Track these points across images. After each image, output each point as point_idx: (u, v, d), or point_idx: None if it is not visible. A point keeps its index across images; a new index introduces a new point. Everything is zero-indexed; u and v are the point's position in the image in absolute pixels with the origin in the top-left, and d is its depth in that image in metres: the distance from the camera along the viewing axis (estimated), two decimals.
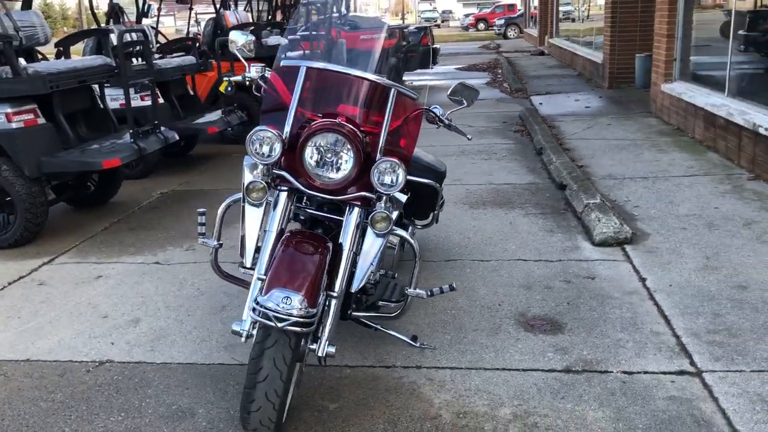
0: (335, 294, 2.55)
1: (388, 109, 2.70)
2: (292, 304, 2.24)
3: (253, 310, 2.29)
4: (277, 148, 2.57)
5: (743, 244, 4.30)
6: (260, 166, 2.65)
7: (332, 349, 2.50)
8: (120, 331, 3.56)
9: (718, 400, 2.71)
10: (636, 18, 11.02)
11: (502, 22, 33.70)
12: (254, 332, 2.53)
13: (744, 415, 2.61)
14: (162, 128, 5.57)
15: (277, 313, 2.23)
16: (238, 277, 3.08)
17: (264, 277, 2.58)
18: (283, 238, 2.53)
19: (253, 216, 2.69)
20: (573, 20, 16.91)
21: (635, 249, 4.34)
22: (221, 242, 2.94)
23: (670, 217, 4.86)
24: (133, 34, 5.82)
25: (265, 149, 2.59)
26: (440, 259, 4.30)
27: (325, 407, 2.80)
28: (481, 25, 40.18)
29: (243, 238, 2.70)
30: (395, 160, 2.58)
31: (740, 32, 6.71)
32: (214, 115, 7.20)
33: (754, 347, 3.08)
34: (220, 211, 2.90)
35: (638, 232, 4.58)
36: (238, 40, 3.00)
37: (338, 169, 2.58)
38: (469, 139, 3.30)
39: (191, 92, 7.59)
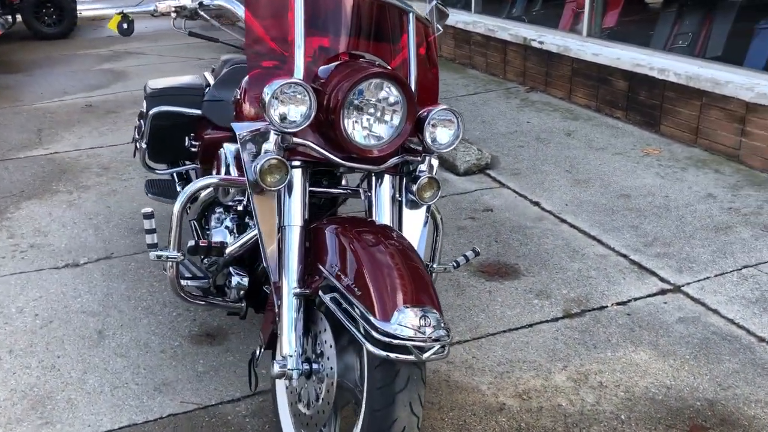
0: None
1: (410, 41, 2.05)
2: (430, 324, 1.59)
3: (368, 339, 1.57)
4: (312, 105, 1.78)
5: (584, 153, 4.50)
6: (273, 136, 1.83)
7: None
8: None
9: (719, 312, 2.77)
10: None
11: None
12: (309, 366, 1.82)
13: (752, 319, 2.71)
14: None
15: (416, 340, 1.57)
16: (209, 298, 2.21)
17: (304, 291, 1.84)
18: (337, 232, 1.79)
19: (269, 208, 1.87)
20: None
21: (499, 173, 4.27)
22: (183, 253, 2.03)
23: (499, 137, 4.89)
24: None
25: (287, 110, 1.78)
26: None
27: None
28: None
29: (260, 240, 1.87)
30: (451, 108, 1.99)
31: None
32: None
33: (693, 252, 3.22)
34: (176, 211, 1.98)
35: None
36: None
37: (387, 127, 1.90)
38: None
39: None
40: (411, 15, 2.06)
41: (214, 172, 2.44)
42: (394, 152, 1.96)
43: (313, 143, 1.88)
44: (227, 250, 2.17)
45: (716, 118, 4.36)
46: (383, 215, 2.01)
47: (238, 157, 2.36)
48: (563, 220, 3.61)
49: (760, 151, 4.10)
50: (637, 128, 4.92)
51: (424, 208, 2.07)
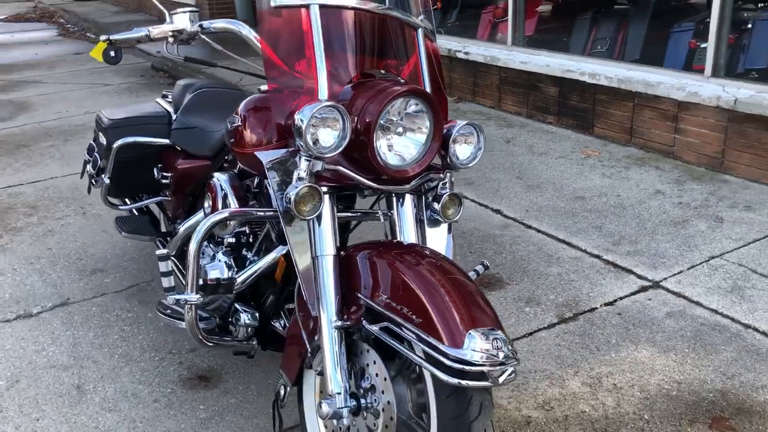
0: None
1: (422, 58, 2.01)
2: (500, 347, 1.54)
3: (439, 368, 1.50)
4: (346, 127, 1.69)
5: (529, 159, 4.60)
6: (304, 163, 1.72)
7: None
8: None
9: (702, 303, 2.87)
10: None
11: None
12: (356, 402, 1.73)
13: (733, 308, 2.82)
14: None
15: (487, 366, 1.51)
16: (216, 338, 2.05)
17: (345, 323, 1.74)
18: (371, 257, 1.70)
19: (303, 239, 1.77)
20: None
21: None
22: (202, 294, 1.88)
23: None
24: None
25: (317, 135, 1.69)
26: None
27: None
28: None
29: (298, 272, 1.76)
30: (473, 123, 1.96)
31: None
32: None
33: (660, 247, 3.33)
34: (193, 250, 1.82)
35: None
36: None
37: (417, 145, 1.84)
38: None
39: None
40: (420, 31, 2.02)
41: (206, 203, 2.29)
42: (421, 171, 1.90)
43: (343, 167, 1.80)
44: (235, 286, 2.05)
45: (649, 118, 4.56)
46: (409, 235, 1.94)
47: (234, 186, 2.23)
48: (529, 226, 3.65)
49: (695, 147, 4.32)
50: (572, 132, 5.08)
51: (445, 225, 2.03)
